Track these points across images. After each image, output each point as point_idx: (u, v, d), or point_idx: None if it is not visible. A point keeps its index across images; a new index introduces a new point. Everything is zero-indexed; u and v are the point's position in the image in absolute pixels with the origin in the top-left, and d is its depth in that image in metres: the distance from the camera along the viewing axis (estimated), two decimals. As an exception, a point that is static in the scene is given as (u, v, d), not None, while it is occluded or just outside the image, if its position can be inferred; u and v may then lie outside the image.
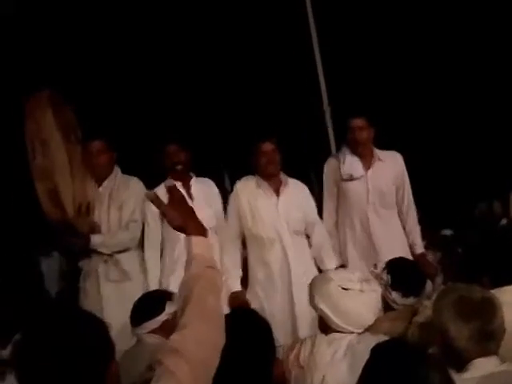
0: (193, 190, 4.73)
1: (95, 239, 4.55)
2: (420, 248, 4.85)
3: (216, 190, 4.90)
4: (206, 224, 4.53)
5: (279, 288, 4.58)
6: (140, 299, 3.64)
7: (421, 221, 5.27)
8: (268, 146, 4.63)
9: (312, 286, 3.04)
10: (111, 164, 4.79)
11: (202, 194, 4.75)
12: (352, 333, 2.86)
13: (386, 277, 3.42)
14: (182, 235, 2.06)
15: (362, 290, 2.86)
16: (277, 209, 4.63)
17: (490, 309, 2.41)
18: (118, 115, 8.76)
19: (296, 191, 4.74)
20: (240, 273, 4.69)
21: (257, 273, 4.64)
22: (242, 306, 4.48)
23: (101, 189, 4.72)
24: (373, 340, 2.68)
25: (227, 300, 4.55)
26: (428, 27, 8.91)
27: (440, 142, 9.28)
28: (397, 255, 4.07)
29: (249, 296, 4.63)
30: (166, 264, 4.67)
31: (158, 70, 9.17)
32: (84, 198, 4.51)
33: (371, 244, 4.72)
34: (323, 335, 2.89)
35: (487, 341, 2.37)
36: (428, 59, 9.22)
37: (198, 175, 4.91)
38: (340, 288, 2.87)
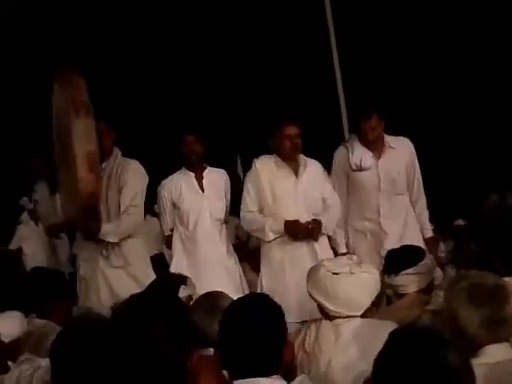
0: (204, 182, 4.87)
1: (105, 228, 4.39)
2: (429, 232, 4.92)
3: (228, 182, 4.99)
4: (217, 215, 4.80)
5: (305, 263, 4.41)
6: (153, 283, 3.63)
7: (433, 210, 5.30)
8: (293, 130, 4.58)
9: (307, 275, 3.07)
10: (113, 144, 4.60)
11: (214, 187, 4.88)
12: (352, 317, 2.88)
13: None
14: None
15: (352, 273, 2.86)
16: (296, 190, 4.62)
17: (501, 295, 2.40)
18: (135, 104, 8.86)
19: (314, 171, 4.72)
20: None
21: (275, 252, 4.59)
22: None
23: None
24: (379, 325, 2.71)
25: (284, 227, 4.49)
26: (437, 23, 8.89)
27: (454, 131, 9.26)
28: (407, 241, 4.24)
29: (264, 273, 4.62)
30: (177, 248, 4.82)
31: (176, 57, 9.22)
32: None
33: (381, 231, 4.75)
34: (328, 321, 2.91)
35: (498, 327, 2.36)
36: (443, 50, 9.19)
37: (211, 160, 5.01)
38: (330, 273, 2.87)
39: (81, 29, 8.67)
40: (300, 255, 4.54)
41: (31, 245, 8.61)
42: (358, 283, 2.87)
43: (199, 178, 4.88)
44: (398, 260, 3.49)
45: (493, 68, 9.11)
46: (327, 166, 4.93)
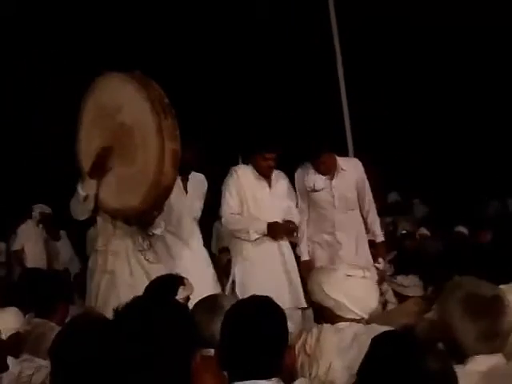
0: (188, 184, 5.46)
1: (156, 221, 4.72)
2: (381, 237, 5.53)
3: (206, 186, 5.62)
4: (194, 214, 5.35)
5: (274, 261, 5.30)
6: (151, 283, 3.67)
7: (433, 217, 5.44)
8: (273, 155, 5.33)
9: (317, 279, 3.09)
10: None
11: (196, 189, 5.51)
12: (357, 321, 2.91)
13: (390, 268, 3.54)
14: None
15: (364, 277, 3.00)
16: (271, 199, 5.41)
17: (498, 307, 2.34)
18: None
19: (283, 185, 5.50)
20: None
21: (248, 250, 5.31)
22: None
23: None
24: (379, 330, 2.71)
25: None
26: (440, 23, 8.92)
27: (455, 141, 9.27)
28: (359, 250, 5.28)
29: (237, 269, 5.32)
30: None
31: (177, 58, 9.24)
32: None
33: (336, 242, 5.38)
34: (329, 324, 2.93)
35: (493, 339, 2.31)
36: (449, 65, 9.23)
37: (213, 159, 5.50)
38: (344, 275, 3.00)
39: (79, 29, 8.68)
40: (270, 253, 5.31)
41: (32, 245, 8.64)
42: (369, 287, 3.03)
43: (184, 181, 5.42)
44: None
45: (499, 74, 9.13)
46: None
